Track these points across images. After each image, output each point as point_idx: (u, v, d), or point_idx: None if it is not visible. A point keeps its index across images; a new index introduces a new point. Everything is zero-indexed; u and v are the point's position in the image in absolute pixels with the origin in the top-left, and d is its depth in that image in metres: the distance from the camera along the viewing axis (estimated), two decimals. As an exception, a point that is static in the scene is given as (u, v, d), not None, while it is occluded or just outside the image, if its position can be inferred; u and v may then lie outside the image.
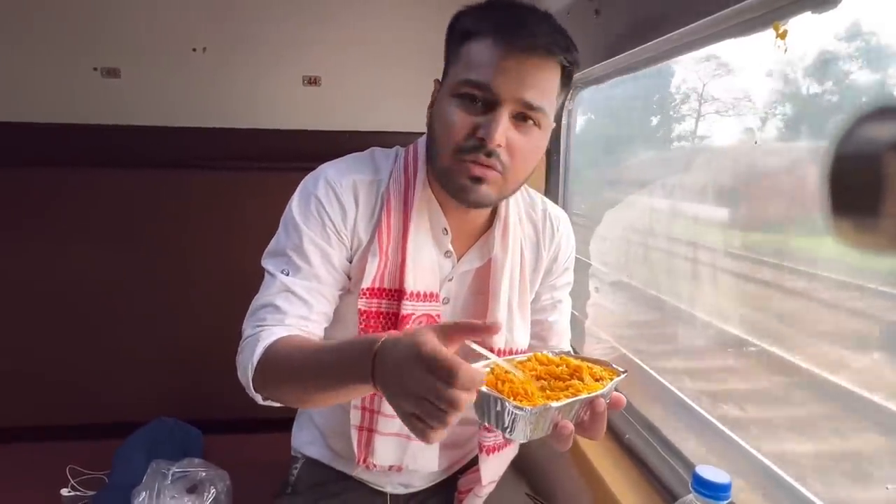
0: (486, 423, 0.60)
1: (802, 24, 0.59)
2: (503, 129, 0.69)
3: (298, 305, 0.75)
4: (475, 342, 0.70)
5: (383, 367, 0.56)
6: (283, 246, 0.78)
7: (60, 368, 1.42)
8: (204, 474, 1.10)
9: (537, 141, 0.74)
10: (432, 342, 0.51)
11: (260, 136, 1.52)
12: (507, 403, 0.56)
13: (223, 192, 1.46)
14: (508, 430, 0.57)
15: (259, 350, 0.70)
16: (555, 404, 0.57)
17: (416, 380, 0.50)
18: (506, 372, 0.62)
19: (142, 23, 1.45)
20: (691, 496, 0.55)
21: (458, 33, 0.74)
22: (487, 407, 0.58)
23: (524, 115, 0.71)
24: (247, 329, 0.75)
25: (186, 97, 1.50)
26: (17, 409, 1.41)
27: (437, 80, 0.79)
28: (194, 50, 1.48)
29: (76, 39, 1.43)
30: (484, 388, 0.59)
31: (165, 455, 1.17)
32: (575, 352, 0.99)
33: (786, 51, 0.60)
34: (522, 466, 1.06)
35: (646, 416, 1.00)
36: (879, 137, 0.27)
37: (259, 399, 0.73)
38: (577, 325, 1.32)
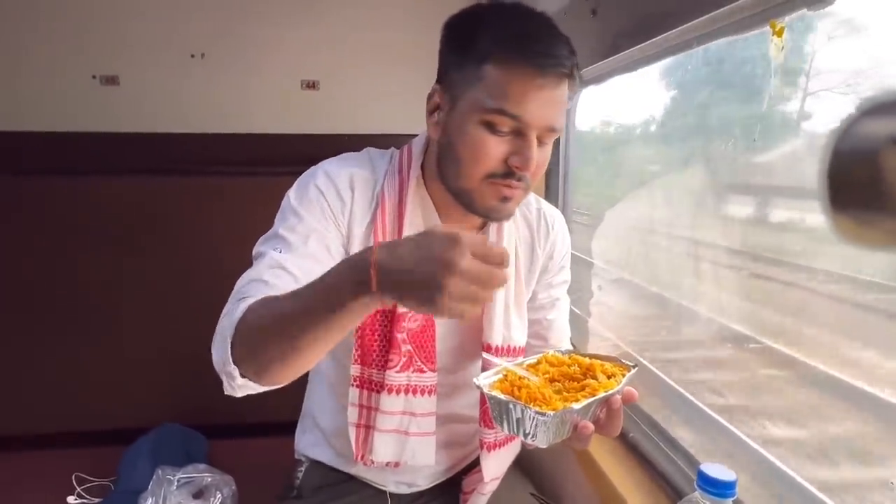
0: (507, 431, 0.60)
1: None
2: (535, 156, 0.71)
3: (288, 280, 0.70)
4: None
5: (395, 264, 0.54)
6: (278, 229, 0.77)
7: (64, 376, 1.43)
8: (209, 479, 1.10)
9: (550, 149, 0.76)
10: (466, 233, 0.53)
11: (259, 140, 1.52)
12: (528, 410, 0.56)
13: (223, 197, 1.47)
14: (531, 435, 0.57)
15: (240, 310, 0.64)
16: (576, 406, 0.57)
17: (469, 266, 0.51)
18: (520, 378, 0.62)
19: (140, 30, 1.45)
20: (697, 494, 0.55)
21: (472, 49, 0.71)
22: (507, 414, 0.58)
23: (545, 136, 0.73)
24: (228, 305, 0.69)
25: (185, 103, 1.51)
26: (22, 418, 1.42)
27: (439, 88, 0.77)
28: (192, 56, 1.49)
29: (74, 48, 1.44)
30: (502, 396, 0.58)
31: (171, 461, 1.18)
32: (575, 349, 1.00)
33: (782, 48, 0.60)
34: (527, 466, 1.06)
35: (650, 414, 1.00)
36: (879, 132, 0.27)
37: (236, 377, 0.64)
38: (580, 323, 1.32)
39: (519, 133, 0.70)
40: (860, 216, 0.28)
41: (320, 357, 0.66)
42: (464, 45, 0.72)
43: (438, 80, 0.77)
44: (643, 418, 0.99)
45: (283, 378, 0.66)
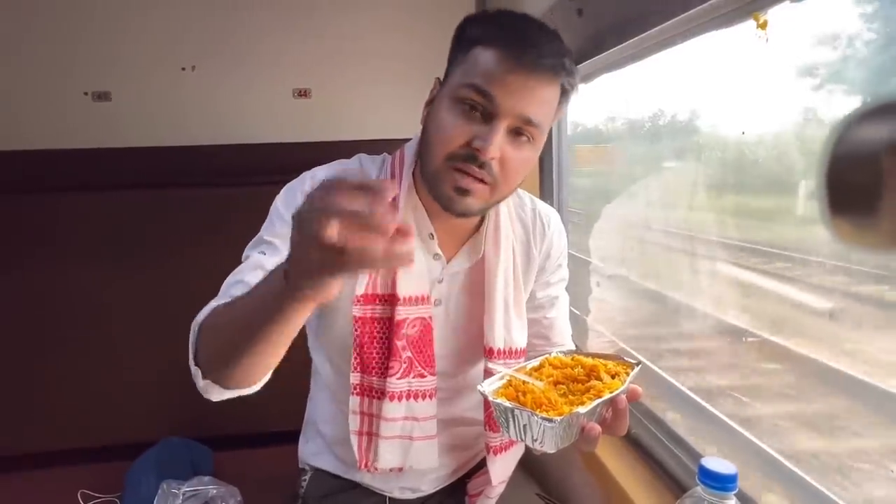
0: (514, 437, 0.59)
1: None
2: (499, 142, 0.69)
3: None
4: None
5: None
6: (264, 235, 0.78)
7: (67, 393, 1.43)
8: (214, 492, 1.10)
9: (528, 154, 0.74)
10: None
11: (253, 150, 1.53)
12: (535, 416, 0.55)
13: (218, 208, 1.47)
14: (538, 441, 0.57)
15: (201, 316, 0.67)
16: (582, 410, 0.57)
17: (315, 208, 0.43)
18: (524, 382, 0.62)
19: (130, 45, 1.46)
20: (699, 488, 0.55)
21: (466, 39, 0.73)
22: (514, 421, 0.58)
23: (520, 130, 0.71)
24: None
25: (178, 116, 1.51)
26: (26, 436, 1.42)
27: (438, 80, 0.78)
28: (183, 69, 1.49)
29: (66, 65, 1.44)
30: (507, 402, 0.58)
31: (176, 474, 1.18)
32: (578, 349, 0.99)
33: (767, 41, 0.61)
34: (532, 467, 1.06)
35: (651, 409, 1.00)
36: (878, 135, 0.27)
37: (198, 378, 0.67)
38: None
39: (487, 117, 0.70)
40: (859, 219, 0.29)
41: (271, 362, 0.65)
42: (459, 38, 0.74)
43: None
44: (644, 413, 1.00)
45: (239, 381, 0.66)
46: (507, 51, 0.68)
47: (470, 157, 0.70)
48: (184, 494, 1.07)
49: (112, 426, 1.44)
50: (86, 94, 1.46)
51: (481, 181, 0.71)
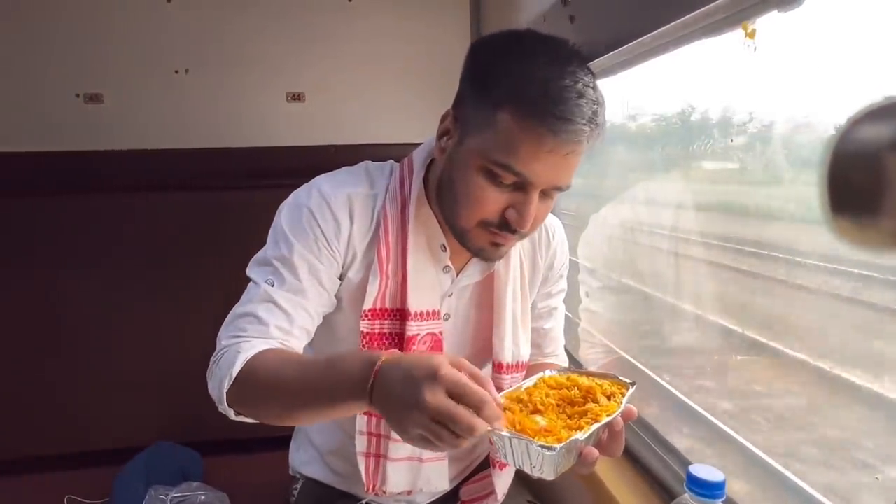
0: (512, 464, 0.59)
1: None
2: (533, 211, 0.69)
3: (280, 317, 0.72)
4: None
5: (386, 386, 0.56)
6: (270, 256, 0.75)
7: (55, 397, 1.41)
8: (203, 498, 1.09)
9: (553, 202, 0.74)
10: (449, 368, 0.53)
11: (246, 154, 1.52)
12: (533, 444, 0.55)
13: (212, 212, 1.46)
14: (537, 468, 0.56)
15: (239, 362, 0.67)
16: (581, 436, 0.57)
17: (434, 402, 0.51)
18: (517, 401, 0.64)
19: (123, 47, 1.45)
20: (686, 496, 0.55)
21: (491, 92, 0.66)
22: (512, 449, 0.57)
23: (551, 193, 0.71)
24: (223, 338, 0.72)
25: (170, 119, 1.51)
26: (12, 441, 1.40)
27: (452, 115, 0.73)
28: (176, 72, 1.49)
29: (58, 67, 1.43)
30: (505, 432, 0.57)
31: (165, 480, 1.17)
32: (572, 358, 0.99)
33: (755, 49, 0.61)
34: (524, 474, 1.06)
35: (642, 416, 1.00)
36: (879, 134, 0.27)
37: (231, 414, 0.70)
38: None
39: (521, 187, 0.68)
40: (860, 218, 0.29)
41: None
42: (484, 82, 0.68)
43: (454, 105, 0.73)
44: (635, 420, 0.99)
45: (279, 423, 0.71)
46: (543, 131, 0.63)
47: (504, 226, 0.70)
48: (172, 500, 1.06)
49: (100, 431, 1.42)
50: (77, 95, 1.45)
51: (512, 239, 0.74)
